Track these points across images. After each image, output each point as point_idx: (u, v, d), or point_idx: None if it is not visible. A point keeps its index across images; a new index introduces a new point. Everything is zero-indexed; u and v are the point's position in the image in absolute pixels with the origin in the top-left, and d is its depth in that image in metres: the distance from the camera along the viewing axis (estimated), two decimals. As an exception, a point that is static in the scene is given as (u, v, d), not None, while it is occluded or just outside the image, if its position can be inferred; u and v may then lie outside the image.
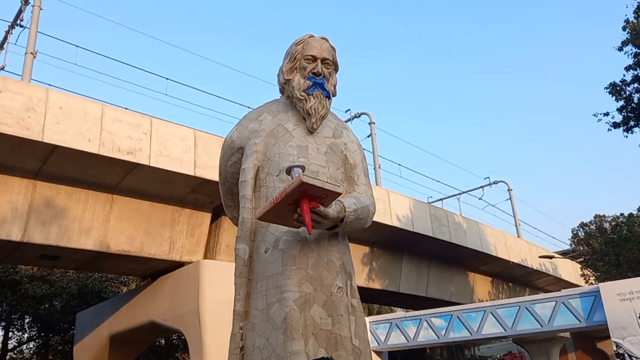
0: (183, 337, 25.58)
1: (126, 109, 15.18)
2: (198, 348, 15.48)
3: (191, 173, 15.05)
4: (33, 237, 14.15)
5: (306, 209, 2.83)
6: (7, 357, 27.00)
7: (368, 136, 24.87)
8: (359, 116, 25.57)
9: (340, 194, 2.91)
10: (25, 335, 27.65)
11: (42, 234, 14.26)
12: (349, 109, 25.84)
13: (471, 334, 16.86)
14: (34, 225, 14.09)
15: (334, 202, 3.02)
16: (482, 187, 34.59)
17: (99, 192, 15.05)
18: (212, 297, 15.65)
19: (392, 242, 21.97)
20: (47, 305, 25.53)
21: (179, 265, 16.97)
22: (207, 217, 17.14)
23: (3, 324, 26.31)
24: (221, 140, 15.86)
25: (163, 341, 27.96)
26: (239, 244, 3.28)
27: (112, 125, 14.04)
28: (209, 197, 16.31)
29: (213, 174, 15.20)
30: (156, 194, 15.70)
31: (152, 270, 17.96)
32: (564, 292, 16.48)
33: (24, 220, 13.97)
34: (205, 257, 17.07)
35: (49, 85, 18.43)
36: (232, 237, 17.39)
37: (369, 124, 25.11)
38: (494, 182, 34.89)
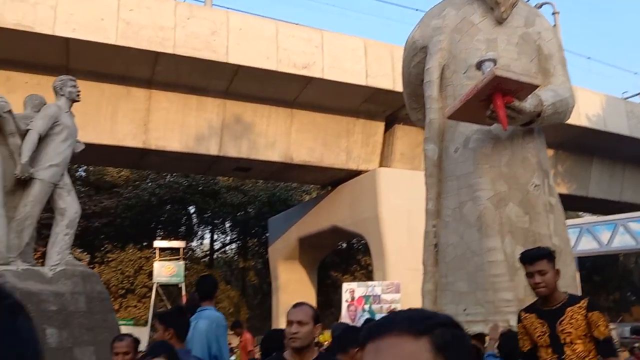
0: (363, 241, 27.05)
1: (297, 24, 15.60)
2: (379, 251, 16.29)
3: (363, 83, 15.18)
4: (227, 151, 15.72)
5: (500, 104, 2.70)
6: (214, 256, 31.28)
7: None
8: (541, 6, 23.10)
9: (537, 86, 2.73)
10: (228, 238, 31.61)
11: (235, 148, 15.76)
12: None
13: (676, 241, 15.21)
14: (228, 140, 15.60)
15: (529, 96, 2.84)
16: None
17: (280, 107, 16.01)
18: (390, 203, 16.13)
19: (581, 144, 20.20)
20: (242, 212, 28.65)
21: (356, 173, 17.64)
22: (381, 126, 17.35)
23: (209, 227, 30.29)
24: (392, 48, 15.61)
25: (345, 245, 29.91)
26: (427, 144, 3.29)
27: (287, 41, 14.57)
28: (381, 107, 16.41)
29: (384, 83, 15.16)
30: (331, 106, 16.21)
31: (332, 179, 18.94)
32: None
33: (219, 136, 15.53)
34: (380, 165, 17.47)
35: (228, 8, 19.52)
36: (406, 145, 17.46)
37: (553, 14, 22.59)
38: None
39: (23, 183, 4.98)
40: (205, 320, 3.21)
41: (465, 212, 3.12)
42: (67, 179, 5.30)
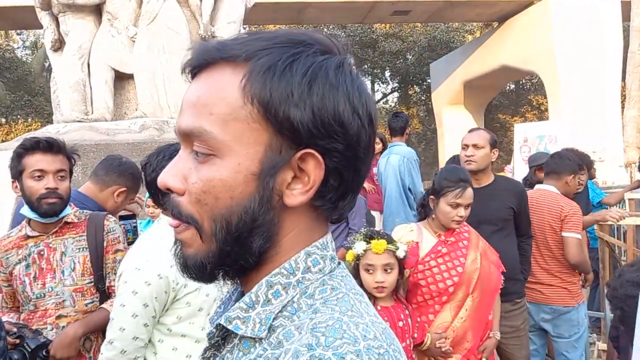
0: (534, 80, 25.23)
1: None
2: (555, 89, 15.10)
3: None
4: (385, -6, 15.09)
5: None
6: (377, 105, 31.60)
7: None
8: None
9: None
10: (389, 88, 31.54)
11: (392, -10, 15.04)
12: None
13: None
14: (384, -18, 14.90)
15: None
16: None
17: (438, -62, 14.66)
18: (567, 35, 14.54)
19: None
20: (402, 59, 28.04)
21: (527, 4, 15.96)
22: (557, -56, 15.12)
23: (369, 78, 30.35)
24: None
25: (512, 86, 28.20)
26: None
27: None
28: None
29: None
30: None
31: (499, 14, 17.40)
32: None
33: (374, -21, 14.88)
34: (556, -9, 15.52)
35: None
36: (589, -37, 15.17)
37: None
38: None
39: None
40: (397, 155, 3.33)
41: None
42: (244, 35, 5.54)
